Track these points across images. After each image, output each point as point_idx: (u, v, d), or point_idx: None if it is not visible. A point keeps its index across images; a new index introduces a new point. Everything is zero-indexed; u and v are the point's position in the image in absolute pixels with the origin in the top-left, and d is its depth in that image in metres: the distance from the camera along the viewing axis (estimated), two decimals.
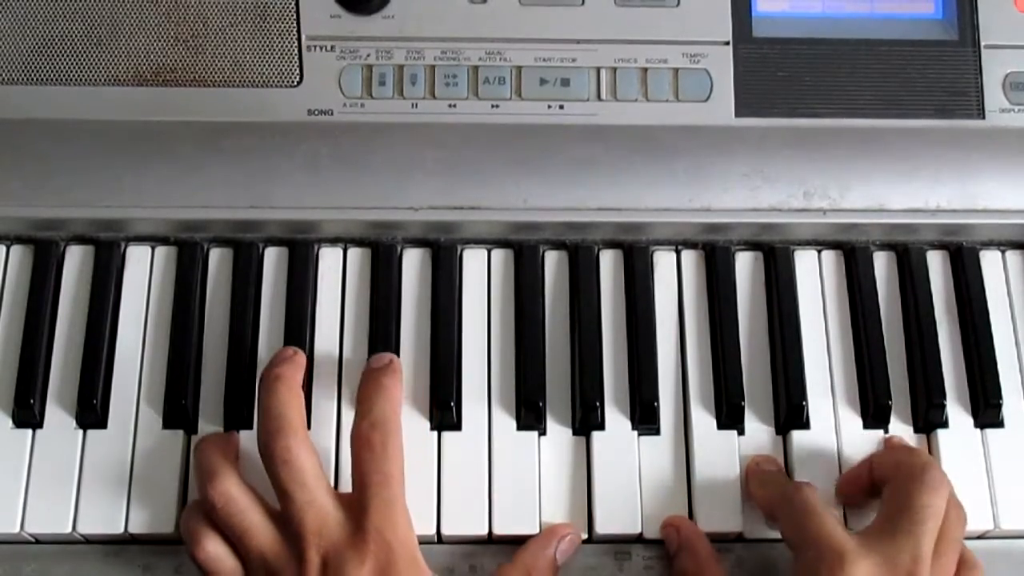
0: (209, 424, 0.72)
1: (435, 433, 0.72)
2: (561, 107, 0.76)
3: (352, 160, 0.75)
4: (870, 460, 0.70)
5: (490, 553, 0.71)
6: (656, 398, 0.73)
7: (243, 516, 0.65)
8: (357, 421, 0.67)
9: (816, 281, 0.77)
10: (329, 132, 0.75)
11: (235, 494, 0.65)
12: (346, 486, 0.69)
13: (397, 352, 0.73)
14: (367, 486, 0.65)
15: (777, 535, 0.69)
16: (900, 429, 0.73)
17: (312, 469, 0.65)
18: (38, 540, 0.70)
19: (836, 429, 0.73)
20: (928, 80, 0.77)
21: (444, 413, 0.72)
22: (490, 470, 0.71)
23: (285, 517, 0.65)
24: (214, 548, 0.65)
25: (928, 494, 0.64)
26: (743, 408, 0.73)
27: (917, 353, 0.75)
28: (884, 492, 0.67)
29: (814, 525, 0.64)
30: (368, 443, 0.66)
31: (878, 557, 0.62)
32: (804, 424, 0.73)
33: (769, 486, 0.70)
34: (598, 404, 0.72)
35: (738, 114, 0.76)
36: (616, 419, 0.73)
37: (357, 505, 0.65)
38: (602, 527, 0.70)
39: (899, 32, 0.77)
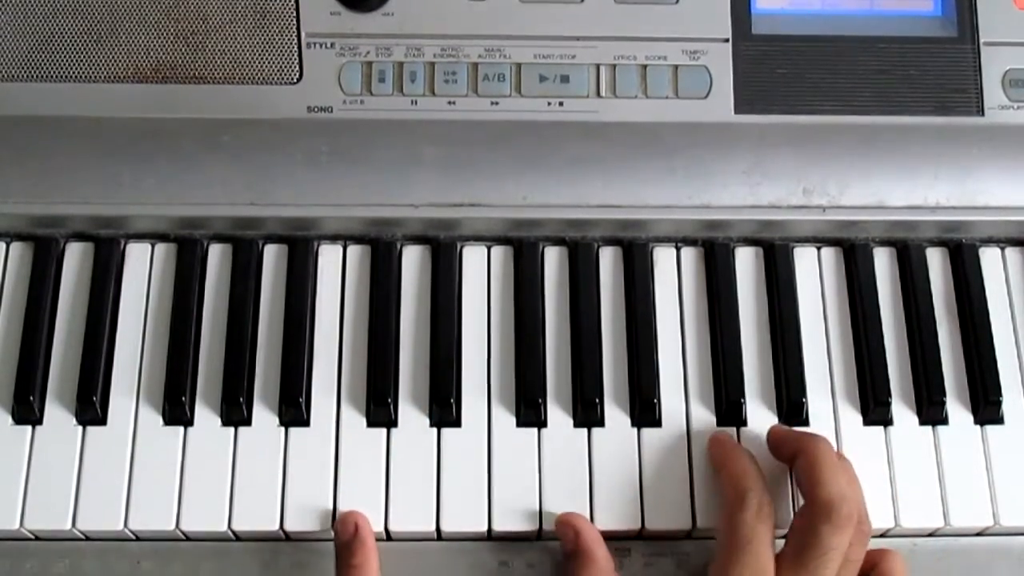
0: (209, 422, 0.72)
1: (435, 430, 0.72)
2: (561, 104, 0.76)
3: (352, 157, 0.75)
4: (797, 442, 0.69)
5: (490, 551, 0.71)
6: (656, 395, 0.73)
7: None
8: None
9: (816, 278, 0.77)
10: (329, 129, 0.75)
11: None
12: (345, 485, 0.70)
13: (397, 349, 0.74)
14: None
15: (782, 531, 0.69)
16: (902, 425, 0.73)
17: None
18: (38, 537, 0.70)
19: (836, 426, 0.73)
20: (927, 77, 0.77)
21: (444, 410, 0.72)
22: (490, 467, 0.71)
23: None
24: None
25: (836, 536, 0.65)
26: (743, 405, 0.73)
27: (917, 350, 0.75)
28: (795, 520, 0.67)
29: (746, 553, 0.65)
30: None
31: None
32: (804, 421, 0.73)
33: (732, 474, 0.69)
34: (598, 401, 0.72)
35: (737, 111, 0.76)
36: (616, 416, 0.73)
37: None
38: (602, 524, 0.70)
39: (898, 29, 0.77)
